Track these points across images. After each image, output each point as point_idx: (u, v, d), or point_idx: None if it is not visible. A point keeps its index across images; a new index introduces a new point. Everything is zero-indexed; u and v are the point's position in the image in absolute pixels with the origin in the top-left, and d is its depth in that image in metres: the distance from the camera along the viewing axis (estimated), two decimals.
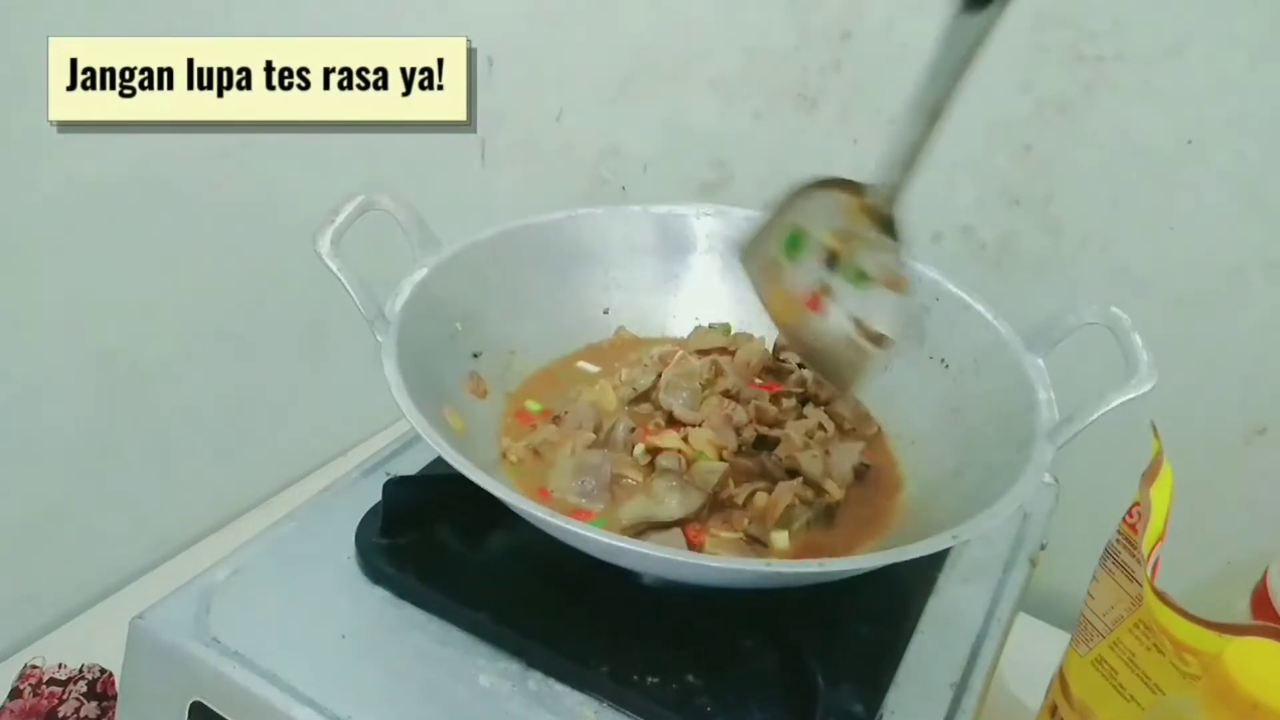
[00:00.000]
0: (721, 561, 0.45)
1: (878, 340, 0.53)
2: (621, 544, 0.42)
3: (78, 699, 0.62)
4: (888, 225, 0.52)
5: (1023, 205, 0.74)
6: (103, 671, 0.64)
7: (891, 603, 0.54)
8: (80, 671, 0.64)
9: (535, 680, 0.49)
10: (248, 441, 0.83)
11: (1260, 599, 0.60)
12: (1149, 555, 0.48)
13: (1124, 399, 0.50)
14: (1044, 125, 0.72)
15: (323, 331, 0.84)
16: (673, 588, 0.53)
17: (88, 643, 0.67)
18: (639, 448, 0.58)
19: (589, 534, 0.43)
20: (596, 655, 0.49)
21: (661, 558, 0.43)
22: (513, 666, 0.49)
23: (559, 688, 0.48)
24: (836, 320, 0.53)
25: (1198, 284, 0.70)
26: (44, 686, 0.62)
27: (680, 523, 0.52)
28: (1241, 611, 0.62)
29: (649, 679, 0.48)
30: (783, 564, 0.45)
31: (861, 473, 0.59)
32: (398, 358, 0.51)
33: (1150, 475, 0.49)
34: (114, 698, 0.63)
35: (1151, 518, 0.48)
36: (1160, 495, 0.49)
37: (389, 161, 0.85)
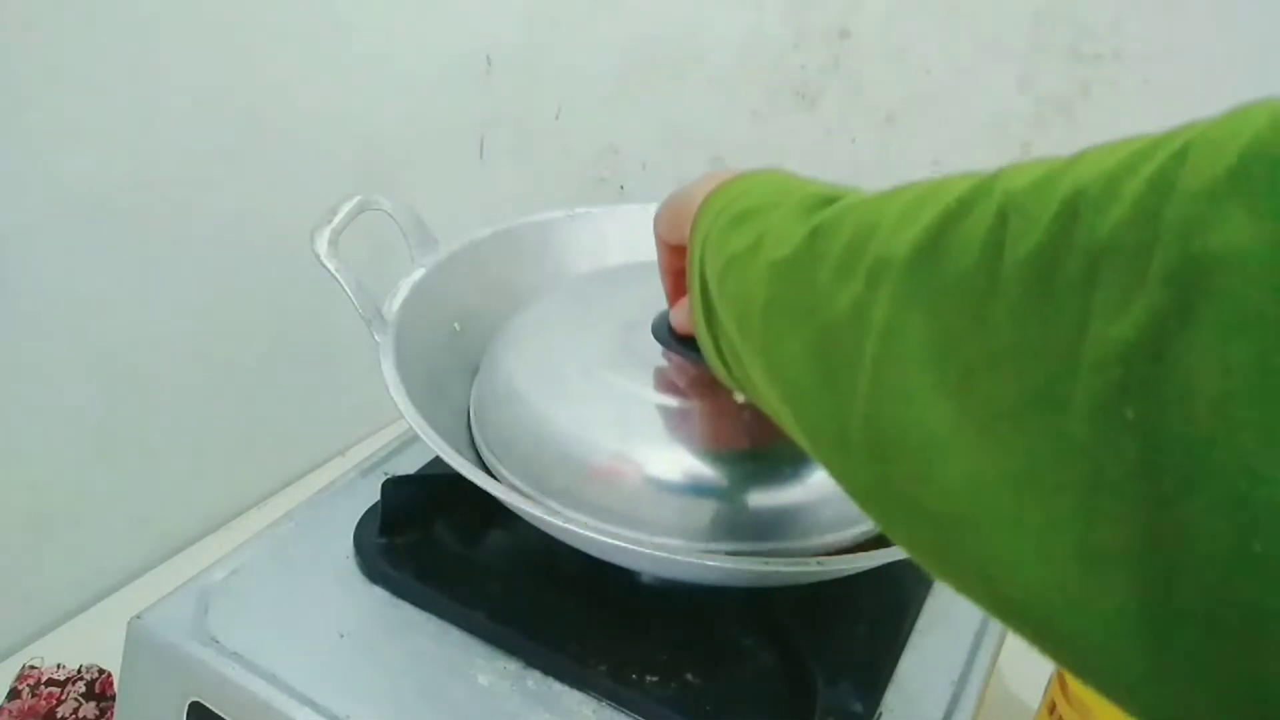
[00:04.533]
0: (720, 560, 0.45)
1: None
2: (620, 543, 0.42)
3: (76, 699, 0.62)
4: None
5: None
6: (101, 672, 0.64)
7: (890, 601, 0.54)
8: (79, 672, 0.64)
9: (534, 679, 0.49)
10: (246, 441, 0.83)
11: None
12: None
13: None
14: (1043, 124, 0.72)
15: (321, 331, 0.84)
16: (671, 586, 0.53)
17: (86, 643, 0.67)
18: None
19: (587, 533, 0.43)
20: (595, 654, 0.49)
21: (660, 557, 0.43)
22: (511, 665, 0.49)
23: (558, 687, 0.48)
24: None
25: None
26: (42, 687, 0.62)
27: None
28: None
29: (648, 678, 0.48)
30: (781, 563, 0.45)
31: None
32: (395, 358, 0.51)
33: None
34: (113, 698, 0.63)
35: None
36: None
37: (387, 161, 0.85)
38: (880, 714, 0.48)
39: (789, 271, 0.32)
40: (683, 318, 0.49)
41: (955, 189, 0.26)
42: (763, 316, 0.33)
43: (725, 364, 0.40)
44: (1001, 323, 0.23)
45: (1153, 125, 0.71)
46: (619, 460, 0.47)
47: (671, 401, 0.49)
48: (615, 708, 0.47)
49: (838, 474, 0.30)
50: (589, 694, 0.48)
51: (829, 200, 0.33)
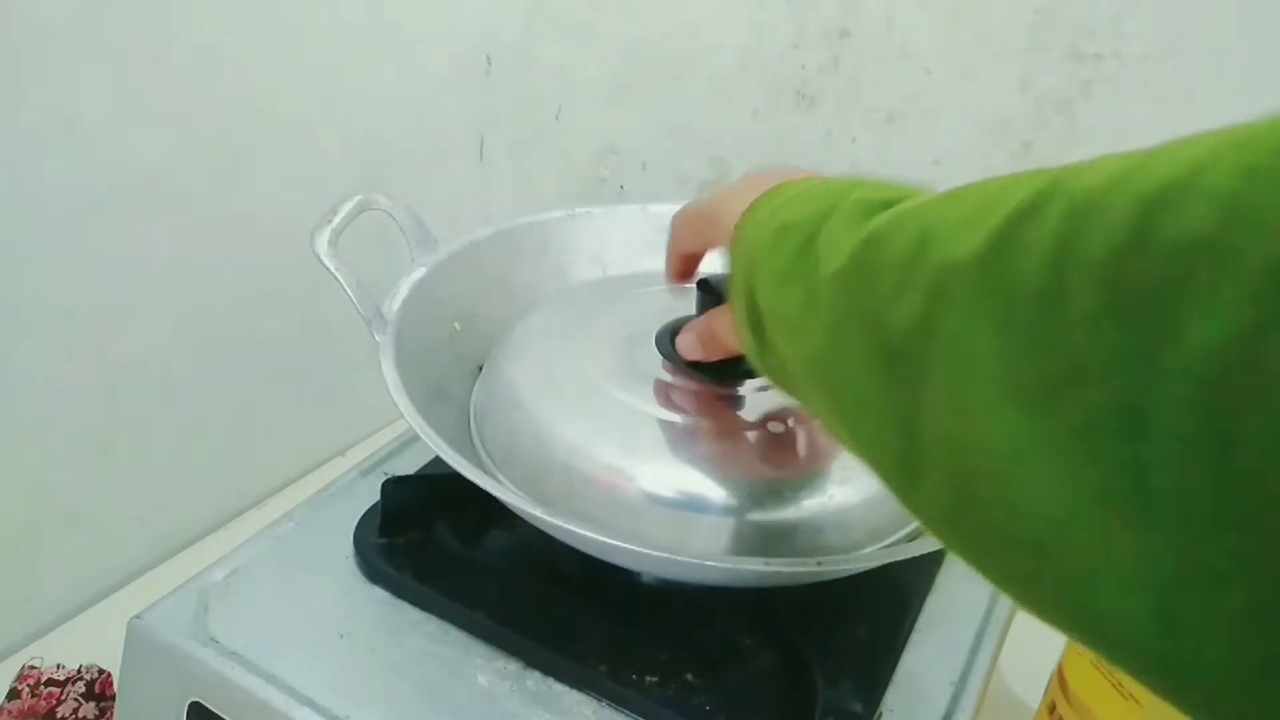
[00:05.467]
0: (720, 560, 0.45)
1: None
2: (619, 543, 0.42)
3: (76, 700, 0.62)
4: None
5: None
6: (101, 672, 0.64)
7: (890, 601, 0.54)
8: (78, 672, 0.64)
9: (534, 679, 0.49)
10: (246, 441, 0.83)
11: None
12: None
13: None
14: (1043, 124, 0.72)
15: (321, 331, 0.84)
16: (672, 587, 0.53)
17: (86, 643, 0.67)
18: None
19: (587, 533, 0.43)
20: (595, 654, 0.49)
21: (660, 557, 0.43)
22: (511, 666, 0.49)
23: (557, 687, 0.48)
24: None
25: None
26: (42, 687, 0.62)
27: None
28: None
29: (648, 678, 0.48)
30: (781, 563, 0.45)
31: None
32: (395, 358, 0.51)
33: None
34: (112, 698, 0.63)
35: None
36: None
37: (387, 161, 0.85)
38: (880, 714, 0.48)
39: (845, 284, 0.30)
40: (690, 342, 0.48)
41: (1019, 190, 0.24)
42: (819, 334, 0.31)
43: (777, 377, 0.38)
44: (1077, 331, 0.21)
45: (1152, 125, 0.71)
46: (619, 475, 0.47)
47: (673, 417, 0.49)
48: (615, 708, 0.47)
49: (905, 499, 0.28)
50: (589, 694, 0.48)
51: (883, 205, 0.31)
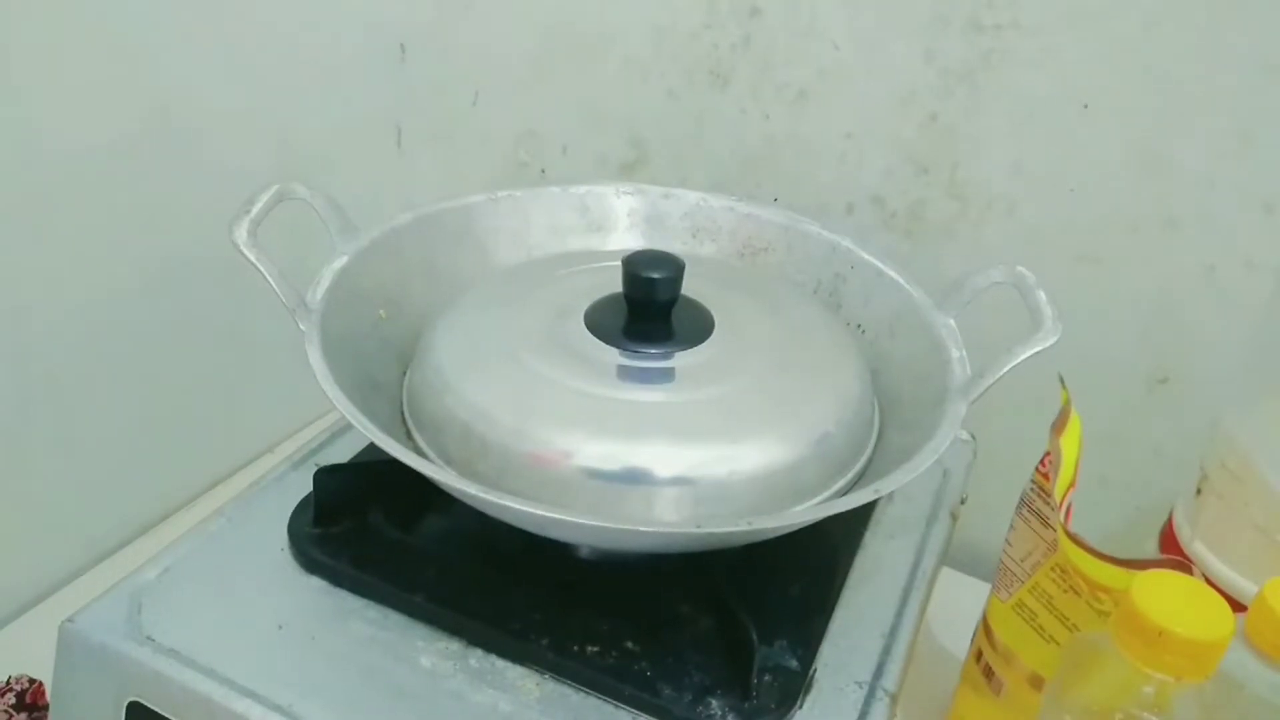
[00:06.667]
0: (654, 526, 0.46)
1: None
2: (555, 515, 0.43)
3: (7, 711, 0.61)
4: None
5: (930, 173, 0.77)
6: (31, 682, 0.63)
7: (820, 561, 0.56)
8: (8, 684, 0.62)
9: (476, 658, 0.49)
10: (171, 441, 0.82)
11: (1167, 538, 0.63)
12: (1061, 501, 0.50)
13: (1030, 352, 0.52)
14: (948, 94, 0.74)
15: (243, 328, 0.83)
16: (609, 558, 0.54)
17: (14, 655, 0.66)
18: None
19: (522, 507, 0.43)
20: (536, 629, 0.49)
21: (595, 526, 0.44)
22: (453, 646, 0.50)
23: (500, 663, 0.49)
24: None
25: (1098, 242, 0.73)
26: None
27: None
28: (1151, 552, 0.65)
29: (589, 648, 0.49)
30: (714, 524, 0.46)
31: None
32: (321, 345, 0.50)
33: (1059, 425, 0.52)
34: (45, 708, 0.62)
35: (1062, 465, 0.50)
36: (1070, 443, 0.52)
37: (304, 151, 0.84)
38: (816, 669, 0.50)
39: None
40: None
41: None
42: None
43: None
44: None
45: (1051, 92, 0.73)
46: (552, 451, 0.48)
47: (604, 392, 0.50)
48: (558, 680, 0.48)
49: None
50: (532, 668, 0.49)
51: None
